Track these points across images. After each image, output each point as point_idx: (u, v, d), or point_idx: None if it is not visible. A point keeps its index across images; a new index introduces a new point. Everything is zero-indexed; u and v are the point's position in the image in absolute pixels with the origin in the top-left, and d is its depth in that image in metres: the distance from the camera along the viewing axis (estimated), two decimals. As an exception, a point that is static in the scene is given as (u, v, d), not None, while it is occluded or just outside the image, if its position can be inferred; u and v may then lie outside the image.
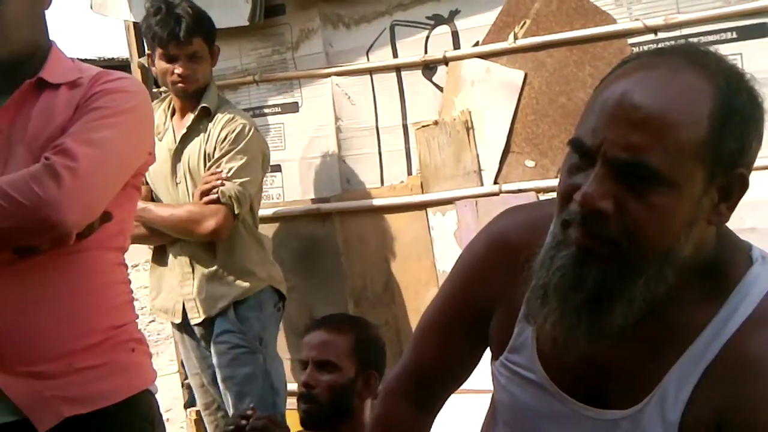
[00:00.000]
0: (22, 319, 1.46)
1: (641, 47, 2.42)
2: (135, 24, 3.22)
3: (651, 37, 2.44)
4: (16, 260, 1.44)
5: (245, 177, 2.47)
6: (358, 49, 2.86)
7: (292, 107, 2.98)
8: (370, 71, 2.84)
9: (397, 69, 2.81)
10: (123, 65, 4.11)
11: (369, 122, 2.85)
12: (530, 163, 2.59)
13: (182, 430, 3.35)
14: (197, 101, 2.57)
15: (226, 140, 2.49)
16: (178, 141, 2.58)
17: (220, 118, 2.54)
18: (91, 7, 3.19)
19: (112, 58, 11.29)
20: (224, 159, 2.48)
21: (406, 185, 2.79)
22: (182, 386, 3.21)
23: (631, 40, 2.46)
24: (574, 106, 2.51)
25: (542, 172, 2.57)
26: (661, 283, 0.94)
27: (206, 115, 2.56)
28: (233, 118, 2.53)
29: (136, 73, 3.23)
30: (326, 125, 2.91)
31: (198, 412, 3.17)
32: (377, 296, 2.85)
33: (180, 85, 2.51)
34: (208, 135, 2.54)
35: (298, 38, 2.95)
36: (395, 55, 2.80)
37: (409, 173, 2.80)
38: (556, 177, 2.54)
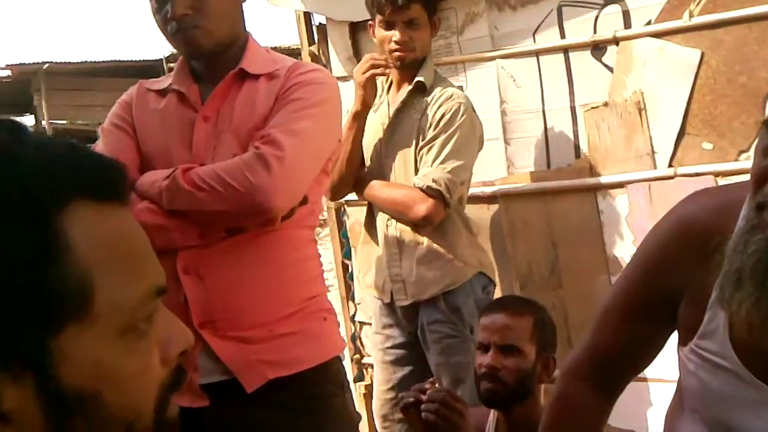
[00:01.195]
0: (231, 290, 1.61)
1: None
2: (305, 14, 3.35)
3: (842, 12, 2.28)
4: (226, 238, 1.59)
5: (457, 162, 2.44)
6: (524, 31, 2.84)
7: (458, 91, 3.00)
8: (537, 53, 2.81)
9: (565, 50, 2.76)
10: (290, 53, 4.28)
11: (535, 105, 2.83)
12: (708, 146, 2.49)
13: (350, 404, 3.48)
14: (414, 74, 2.53)
15: (442, 120, 2.45)
16: (391, 115, 2.57)
17: (437, 96, 2.50)
18: (267, -1, 3.35)
19: (276, 47, 11.76)
20: (438, 141, 2.45)
21: (574, 168, 2.75)
22: (351, 361, 3.33)
23: (818, 16, 2.31)
24: (755, 86, 2.39)
25: (721, 155, 2.46)
26: None
27: (421, 90, 2.52)
28: (451, 97, 2.49)
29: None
30: (491, 108, 2.91)
31: (367, 387, 3.30)
32: (543, 280, 2.84)
33: (397, 53, 2.49)
34: (424, 112, 2.50)
35: (463, 22, 2.96)
36: (563, 36, 2.76)
37: (577, 156, 2.76)
38: (736, 160, 2.43)
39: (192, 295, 1.60)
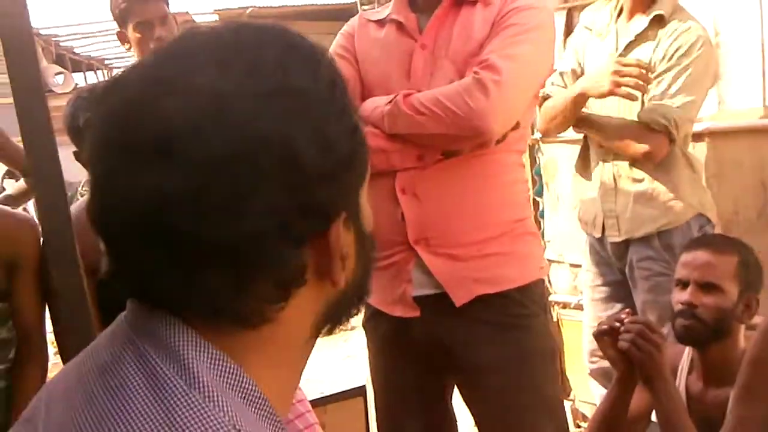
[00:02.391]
0: (445, 209, 1.70)
1: None
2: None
3: None
4: (441, 160, 1.68)
5: (689, 97, 2.31)
6: (744, -42, 2.67)
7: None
8: (758, -18, 2.64)
9: (792, -23, 2.58)
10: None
11: (753, 37, 2.66)
12: None
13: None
14: (648, 4, 2.41)
15: (677, 53, 2.32)
16: (621, 47, 2.45)
17: (674, 27, 2.36)
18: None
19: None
20: (669, 74, 2.32)
21: (794, 105, 2.58)
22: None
23: None
24: None
25: None
26: None
27: (658, 22, 2.38)
28: (689, 29, 2.34)
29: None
30: (704, 41, 2.77)
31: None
32: (749, 223, 2.71)
33: None
34: (658, 43, 2.37)
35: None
36: (788, -38, 2.57)
37: (798, 93, 2.59)
38: None
39: (409, 213, 1.70)
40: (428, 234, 1.70)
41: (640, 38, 2.43)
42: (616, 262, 2.56)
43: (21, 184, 2.88)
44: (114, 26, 2.63)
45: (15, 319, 1.93)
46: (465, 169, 1.69)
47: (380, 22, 1.84)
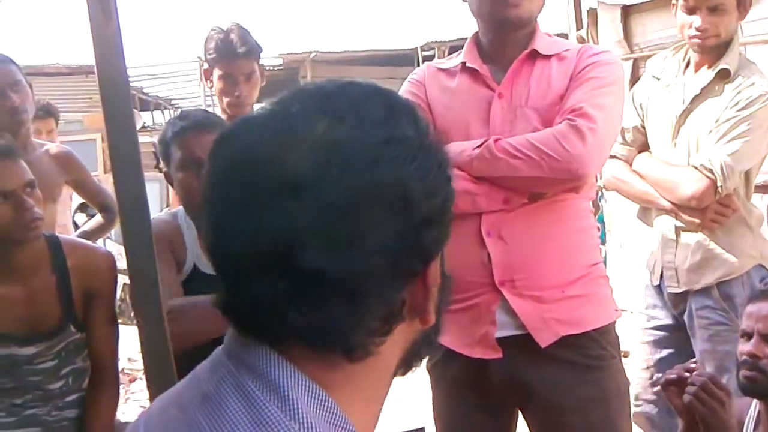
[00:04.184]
0: (530, 252, 1.75)
1: None
2: (577, -1, 3.38)
3: None
4: (526, 204, 1.73)
5: (741, 148, 2.30)
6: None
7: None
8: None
9: None
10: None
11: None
12: None
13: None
14: (715, 57, 2.40)
15: (737, 105, 2.32)
16: (687, 101, 2.44)
17: (740, 83, 2.36)
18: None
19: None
20: (726, 123, 2.32)
21: None
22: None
23: None
24: None
25: None
26: None
27: (724, 77, 2.38)
28: (752, 84, 2.33)
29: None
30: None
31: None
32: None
33: (696, 39, 2.37)
34: (722, 98, 2.37)
35: (747, 3, 2.82)
36: None
37: None
38: None
39: (495, 256, 1.74)
40: (514, 276, 1.74)
41: (705, 92, 2.42)
42: (672, 308, 2.55)
43: (98, 219, 2.99)
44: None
45: (89, 348, 2.01)
46: (547, 213, 1.74)
47: (450, 72, 1.90)
